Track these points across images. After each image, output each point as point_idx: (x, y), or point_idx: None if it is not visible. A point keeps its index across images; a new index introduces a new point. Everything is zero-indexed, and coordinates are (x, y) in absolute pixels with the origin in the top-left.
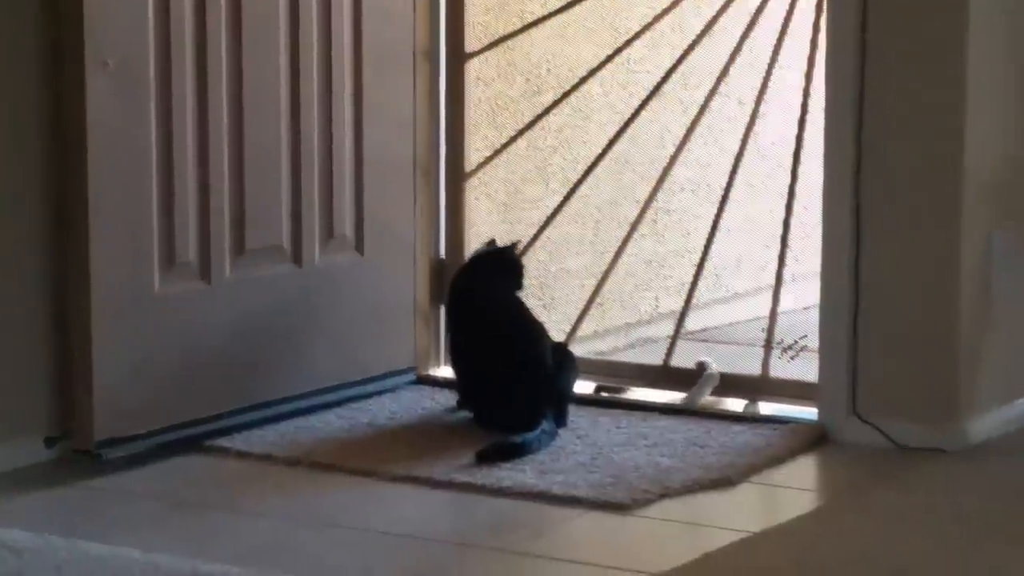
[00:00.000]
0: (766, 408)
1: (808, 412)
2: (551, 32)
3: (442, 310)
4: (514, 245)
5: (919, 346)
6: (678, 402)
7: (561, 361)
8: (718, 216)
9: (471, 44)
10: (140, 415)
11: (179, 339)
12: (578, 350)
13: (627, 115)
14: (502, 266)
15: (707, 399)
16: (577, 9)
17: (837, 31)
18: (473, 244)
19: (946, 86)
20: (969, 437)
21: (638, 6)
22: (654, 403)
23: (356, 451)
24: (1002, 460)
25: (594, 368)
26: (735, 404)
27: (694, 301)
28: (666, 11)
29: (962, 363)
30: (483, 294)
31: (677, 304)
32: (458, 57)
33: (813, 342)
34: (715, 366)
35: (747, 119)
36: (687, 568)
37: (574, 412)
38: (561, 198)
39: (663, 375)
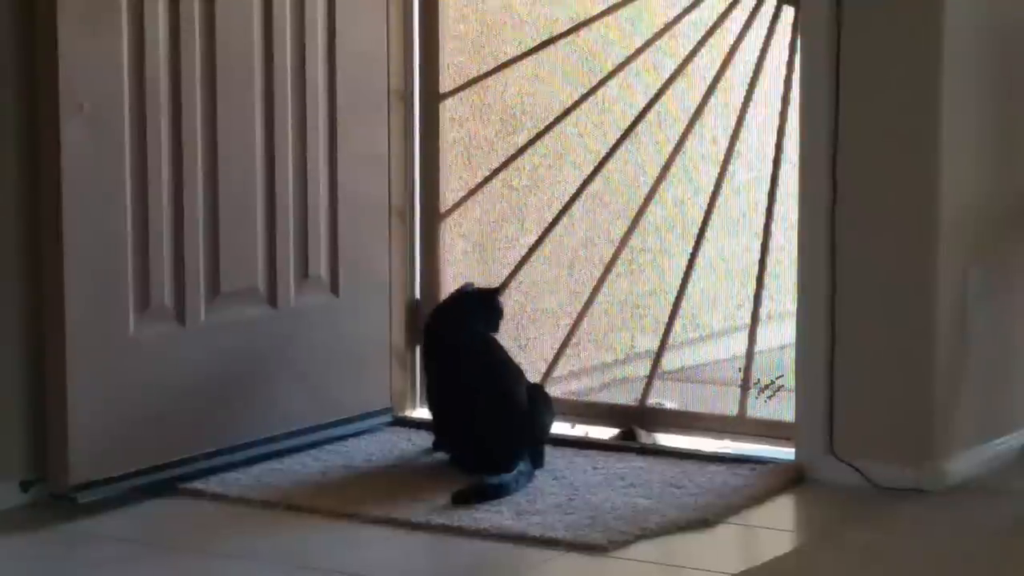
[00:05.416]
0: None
1: (785, 452)
2: (525, 72)
3: (418, 350)
4: (496, 290)
5: (896, 385)
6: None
7: (537, 402)
8: (694, 255)
9: (445, 85)
10: (115, 458)
11: (154, 382)
12: (553, 391)
13: (602, 155)
14: (479, 307)
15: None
16: (551, 50)
17: (811, 70)
18: (449, 285)
19: (921, 124)
20: (947, 477)
21: (612, 46)
22: (630, 444)
23: (332, 493)
24: (980, 500)
25: (569, 409)
26: (708, 443)
27: (670, 340)
28: (640, 51)
29: (939, 402)
30: (459, 335)
31: (653, 344)
32: (432, 98)
33: (790, 381)
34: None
35: (722, 157)
36: None
37: (550, 453)
38: (536, 238)
39: (638, 415)
